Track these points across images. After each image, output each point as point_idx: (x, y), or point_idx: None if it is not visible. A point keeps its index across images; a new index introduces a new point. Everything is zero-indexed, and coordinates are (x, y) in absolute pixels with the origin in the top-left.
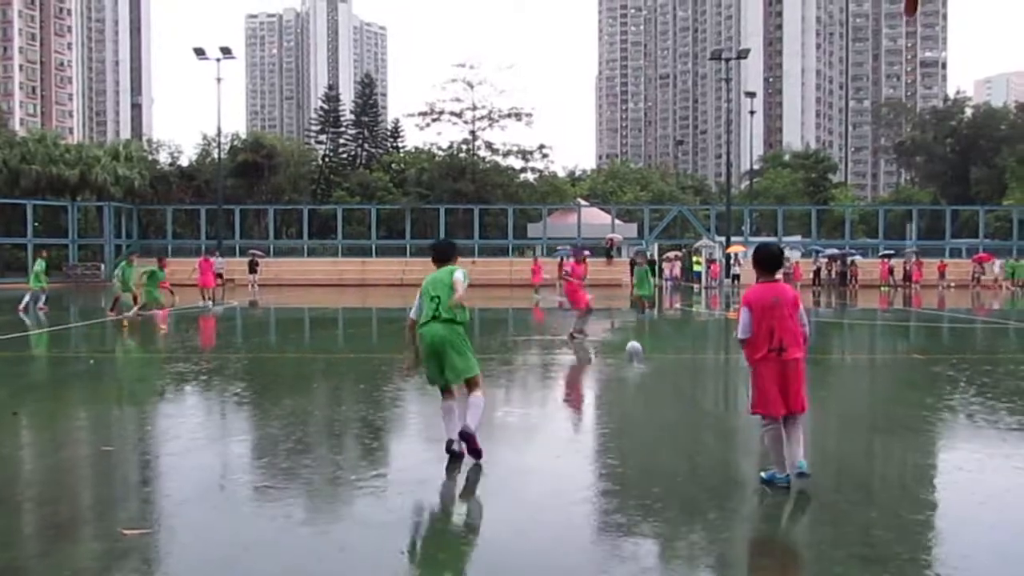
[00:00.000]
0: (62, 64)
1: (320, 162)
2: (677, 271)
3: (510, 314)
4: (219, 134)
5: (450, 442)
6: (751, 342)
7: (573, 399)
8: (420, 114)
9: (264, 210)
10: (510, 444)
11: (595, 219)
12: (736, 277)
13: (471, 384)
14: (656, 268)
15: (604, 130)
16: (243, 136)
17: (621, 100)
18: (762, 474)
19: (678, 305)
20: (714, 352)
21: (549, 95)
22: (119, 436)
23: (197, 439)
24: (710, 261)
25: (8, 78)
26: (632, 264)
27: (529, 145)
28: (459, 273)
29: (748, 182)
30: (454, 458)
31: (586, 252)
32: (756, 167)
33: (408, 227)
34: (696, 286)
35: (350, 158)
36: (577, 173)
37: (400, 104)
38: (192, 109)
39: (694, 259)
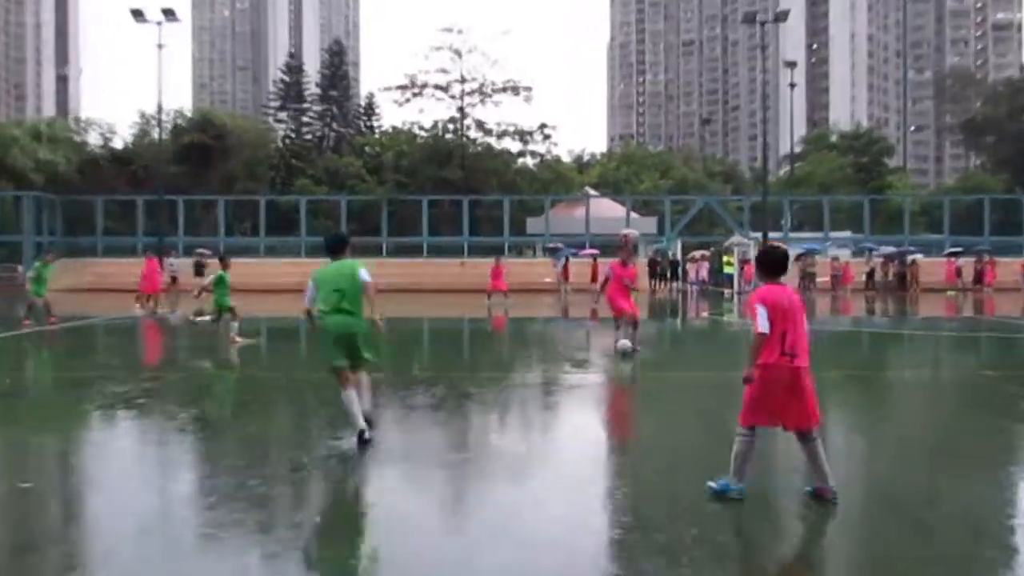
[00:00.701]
0: None
1: (280, 145)
2: (704, 273)
3: (513, 327)
4: (160, 111)
5: (363, 431)
6: (766, 343)
7: (585, 423)
8: (399, 88)
9: (213, 201)
10: (511, 476)
11: (607, 212)
12: None
13: (366, 369)
14: (679, 270)
15: (617, 107)
16: (188, 113)
17: (637, 71)
18: (711, 484)
19: (705, 313)
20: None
21: (551, 66)
22: (38, 471)
23: (130, 474)
24: (743, 262)
25: None
26: (652, 265)
27: (528, 125)
28: (365, 272)
29: (788, 168)
30: (363, 443)
31: (594, 251)
32: (797, 150)
33: (384, 222)
34: (727, 291)
35: (316, 140)
36: (585, 158)
37: (375, 77)
38: (129, 82)
39: (724, 259)
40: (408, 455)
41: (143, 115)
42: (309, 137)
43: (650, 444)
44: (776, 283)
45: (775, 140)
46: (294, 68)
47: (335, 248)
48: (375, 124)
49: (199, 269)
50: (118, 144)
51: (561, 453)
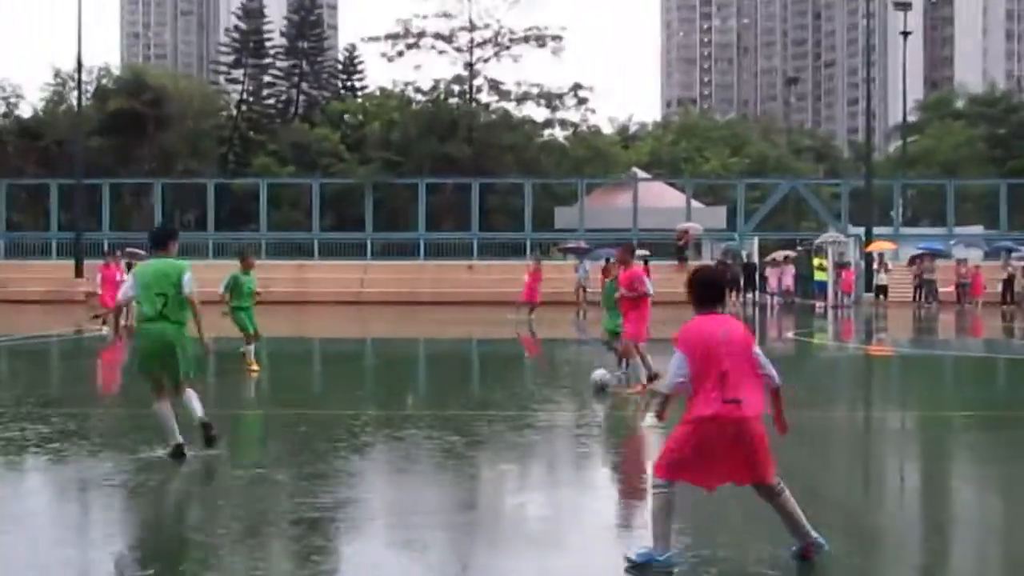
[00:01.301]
0: None
1: (234, 112)
2: (789, 281)
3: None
4: (79, 69)
5: (179, 445)
6: (692, 393)
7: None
8: (388, 38)
9: (147, 185)
10: (529, 541)
11: (659, 199)
12: (882, 290)
13: (182, 383)
14: (756, 277)
15: (675, 62)
16: (116, 72)
17: (702, 16)
18: (632, 556)
19: (790, 334)
20: (848, 408)
21: (586, 9)
22: None
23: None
24: (840, 266)
25: None
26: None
27: (557, 86)
28: (189, 279)
29: (899, 143)
30: (178, 456)
31: (644, 252)
32: (911, 119)
33: (369, 211)
34: (818, 304)
35: (280, 105)
36: (632, 129)
37: (357, 25)
38: (39, 34)
39: (815, 262)
40: (401, 512)
41: (58, 74)
42: (271, 102)
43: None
44: (709, 312)
45: (882, 106)
46: (253, 12)
47: (159, 242)
48: (357, 85)
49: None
50: (26, 112)
51: (593, 515)
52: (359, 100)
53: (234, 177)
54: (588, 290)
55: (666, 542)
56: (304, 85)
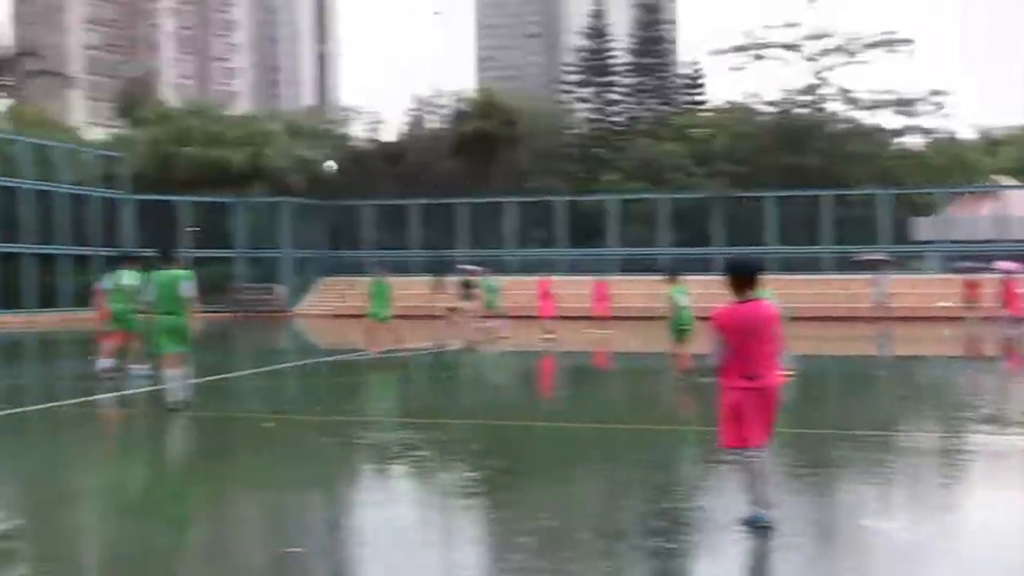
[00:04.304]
0: (224, 3)
1: (581, 130)
2: None
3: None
4: (436, 95)
5: (182, 402)
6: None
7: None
8: (733, 50)
9: (499, 205)
10: None
11: None
12: None
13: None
14: None
15: None
16: (470, 96)
17: None
18: (749, 515)
19: None
20: None
21: (946, 9)
22: (304, 533)
23: (410, 539)
24: None
25: (156, 26)
26: None
27: (911, 92)
28: (188, 285)
29: None
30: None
31: (1012, 267)
32: None
33: (719, 227)
34: None
35: (626, 122)
36: (997, 133)
37: (694, 39)
38: (398, 61)
39: None
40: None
41: (416, 100)
42: (618, 119)
43: None
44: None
45: None
46: (597, 31)
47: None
48: (701, 99)
49: (465, 289)
50: (386, 137)
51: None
52: (705, 113)
53: (583, 195)
54: (888, 305)
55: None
56: (649, 102)
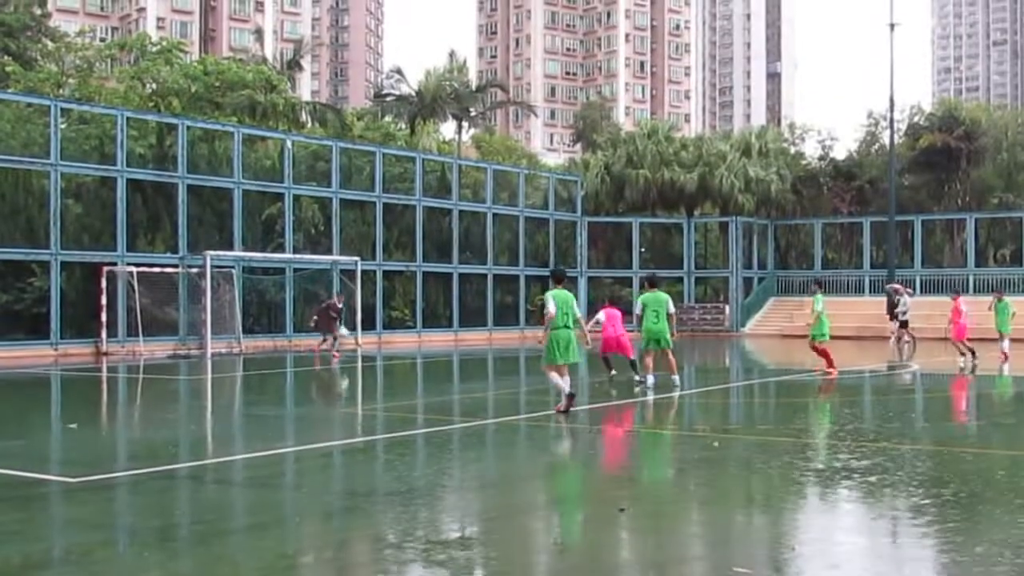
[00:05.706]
0: (677, 27)
1: None
2: None
3: None
4: (891, 109)
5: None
6: None
7: None
8: None
9: (960, 220)
10: None
11: None
12: None
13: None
14: None
15: None
16: (927, 109)
17: None
18: None
19: None
20: None
21: None
22: (752, 553)
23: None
24: None
25: (612, 53)
26: None
27: None
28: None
29: None
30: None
31: None
32: None
33: None
34: None
35: None
36: None
37: None
38: (850, 76)
39: None
40: None
41: (870, 115)
42: None
43: None
44: None
45: None
46: None
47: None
48: None
49: (891, 310)
50: (839, 153)
51: None
52: None
53: None
54: None
55: None
56: None
